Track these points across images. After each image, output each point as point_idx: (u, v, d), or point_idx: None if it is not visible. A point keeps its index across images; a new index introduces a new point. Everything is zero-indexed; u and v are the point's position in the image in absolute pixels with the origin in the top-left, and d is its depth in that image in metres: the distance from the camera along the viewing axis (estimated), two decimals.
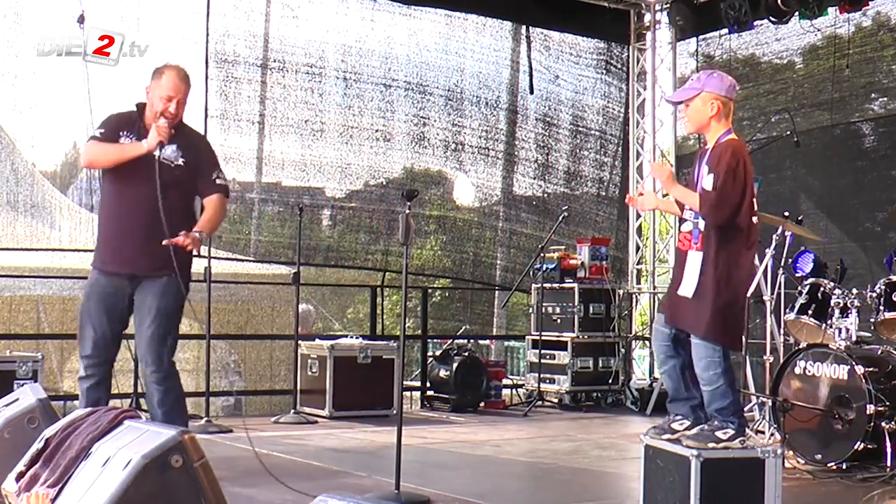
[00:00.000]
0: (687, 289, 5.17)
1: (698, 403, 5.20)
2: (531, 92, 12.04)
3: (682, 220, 5.38)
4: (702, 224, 5.19)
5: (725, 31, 11.29)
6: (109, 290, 5.78)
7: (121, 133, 5.78)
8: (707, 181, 5.18)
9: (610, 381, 11.01)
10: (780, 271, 7.41)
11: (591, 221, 12.52)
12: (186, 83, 5.93)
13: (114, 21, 9.45)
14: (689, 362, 5.24)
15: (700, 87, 5.31)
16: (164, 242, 5.57)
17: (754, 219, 5.28)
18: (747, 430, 5.40)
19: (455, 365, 10.16)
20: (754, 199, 5.29)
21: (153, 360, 5.76)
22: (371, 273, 11.85)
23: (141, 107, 5.91)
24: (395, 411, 9.46)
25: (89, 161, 6.03)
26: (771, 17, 10.57)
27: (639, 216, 12.46)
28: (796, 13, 10.33)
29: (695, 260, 5.18)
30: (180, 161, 5.78)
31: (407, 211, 5.64)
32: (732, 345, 5.22)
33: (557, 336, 10.84)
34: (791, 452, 6.84)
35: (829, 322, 7.21)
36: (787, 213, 7.47)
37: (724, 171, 5.09)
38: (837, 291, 7.22)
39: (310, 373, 9.57)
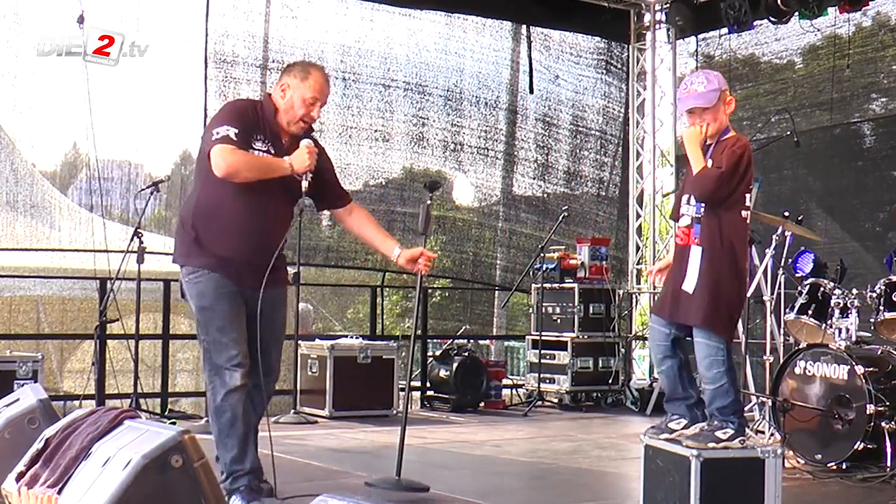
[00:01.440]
0: (690, 284, 5.15)
1: (695, 402, 5.20)
2: (531, 91, 12.05)
3: (679, 216, 5.37)
4: (702, 215, 5.18)
5: (725, 30, 11.30)
6: (235, 293, 5.12)
7: (254, 137, 5.07)
8: None
9: (610, 381, 11.01)
10: (780, 271, 7.41)
11: (591, 221, 12.53)
12: (329, 86, 5.35)
13: (114, 21, 9.47)
14: (686, 362, 5.24)
15: (718, 86, 5.26)
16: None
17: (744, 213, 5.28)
18: (747, 430, 5.40)
19: (455, 365, 10.17)
20: (748, 195, 5.28)
21: (277, 372, 5.39)
22: (371, 273, 11.86)
23: (268, 101, 5.24)
24: (395, 411, 9.50)
25: (232, 172, 4.94)
26: (771, 17, 10.59)
27: (638, 216, 12.46)
28: (796, 13, 10.34)
29: (695, 255, 5.17)
30: (308, 179, 5.16)
31: (429, 202, 5.60)
32: (730, 336, 5.23)
33: (557, 336, 10.84)
34: (791, 452, 6.85)
35: (829, 322, 7.20)
36: (786, 213, 7.47)
37: (731, 159, 5.07)
38: (837, 291, 7.21)
39: (310, 373, 9.57)
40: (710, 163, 5.16)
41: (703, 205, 5.18)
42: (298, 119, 5.17)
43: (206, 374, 5.11)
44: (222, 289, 5.09)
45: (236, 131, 4.95)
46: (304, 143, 5.11)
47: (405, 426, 5.70)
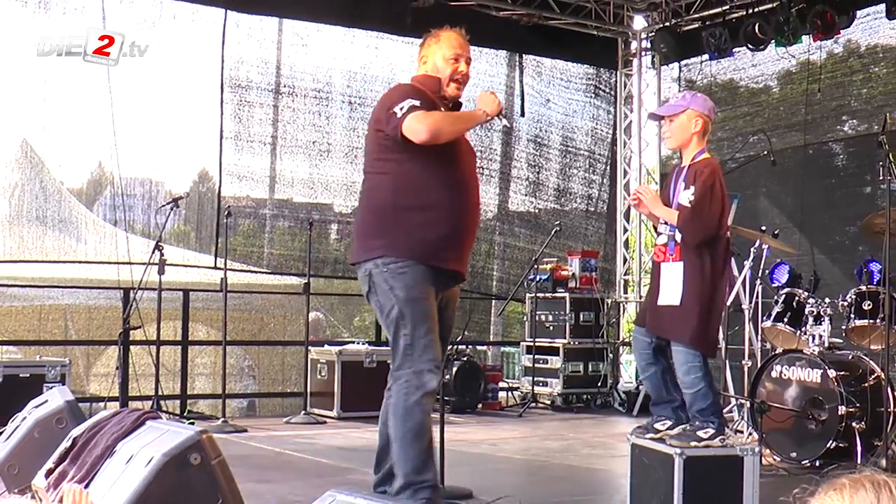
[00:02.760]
0: (668, 299, 5.13)
1: (679, 405, 5.18)
2: (522, 114, 12.07)
3: (658, 233, 5.36)
4: (679, 236, 5.16)
5: (706, 57, 11.36)
6: (433, 290, 4.54)
7: (430, 109, 4.55)
8: (684, 196, 5.15)
9: (599, 384, 11.01)
10: (758, 282, 7.42)
11: (581, 235, 12.53)
12: (466, 40, 4.83)
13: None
14: (669, 367, 5.22)
15: (686, 104, 5.26)
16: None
17: (729, 232, 5.27)
18: (727, 430, 5.40)
19: (455, 369, 10.15)
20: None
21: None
22: None
23: (422, 78, 4.81)
24: None
25: (435, 132, 4.42)
26: (749, 45, 10.63)
27: (626, 230, 12.48)
28: (772, 41, 10.38)
29: (672, 271, 5.13)
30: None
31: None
32: (711, 351, 5.21)
33: (550, 342, 10.85)
34: (768, 451, 6.83)
35: (803, 329, 7.20)
36: (763, 228, 7.49)
37: (701, 190, 5.05)
38: (811, 300, 7.21)
39: (319, 376, 9.56)
40: (688, 194, 5.12)
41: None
42: (449, 79, 4.73)
43: (399, 372, 4.39)
44: (430, 281, 4.46)
45: (419, 102, 4.49)
46: (484, 91, 4.76)
47: (443, 433, 5.52)
